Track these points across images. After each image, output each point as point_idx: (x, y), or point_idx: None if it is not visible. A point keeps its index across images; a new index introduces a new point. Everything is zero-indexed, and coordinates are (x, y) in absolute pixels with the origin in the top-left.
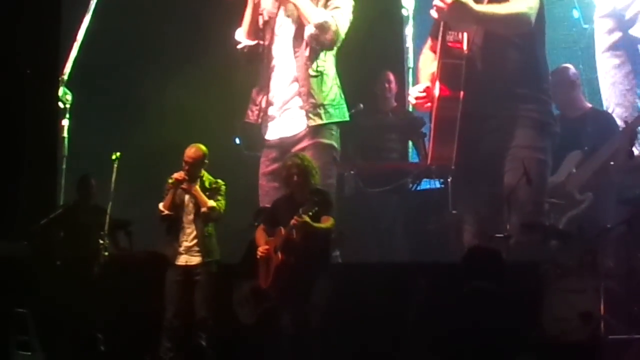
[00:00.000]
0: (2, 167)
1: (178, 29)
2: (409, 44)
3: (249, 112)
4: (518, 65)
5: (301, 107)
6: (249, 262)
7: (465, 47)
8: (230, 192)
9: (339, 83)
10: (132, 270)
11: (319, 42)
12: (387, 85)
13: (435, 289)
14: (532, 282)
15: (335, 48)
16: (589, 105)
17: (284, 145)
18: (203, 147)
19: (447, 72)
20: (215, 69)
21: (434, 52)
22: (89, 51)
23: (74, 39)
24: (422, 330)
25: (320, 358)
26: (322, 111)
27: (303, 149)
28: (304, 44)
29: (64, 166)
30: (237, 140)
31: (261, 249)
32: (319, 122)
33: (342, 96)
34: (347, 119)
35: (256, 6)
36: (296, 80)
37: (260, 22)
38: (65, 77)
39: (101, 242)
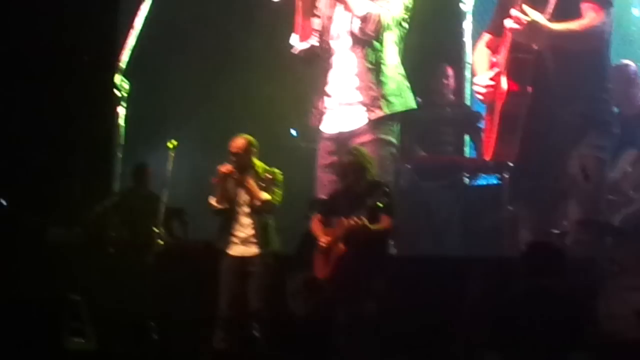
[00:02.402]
0: (59, 154)
1: (237, 18)
2: (468, 38)
3: (311, 117)
4: (585, 64)
5: (361, 102)
6: (303, 253)
7: None
8: (285, 183)
9: (402, 72)
10: (186, 259)
11: (364, 34)
12: (444, 80)
13: (490, 284)
14: (588, 279)
15: (396, 37)
16: None
17: (342, 139)
18: (249, 137)
19: (516, 67)
20: (276, 60)
21: (490, 48)
22: (147, 39)
23: (130, 26)
24: (477, 324)
25: (374, 351)
26: (382, 102)
27: (361, 144)
28: (357, 37)
29: (120, 154)
30: (294, 132)
31: (323, 240)
32: (380, 114)
33: (407, 85)
34: (413, 106)
35: (307, 8)
36: (355, 74)
37: (317, 23)
38: (122, 64)
39: (156, 230)
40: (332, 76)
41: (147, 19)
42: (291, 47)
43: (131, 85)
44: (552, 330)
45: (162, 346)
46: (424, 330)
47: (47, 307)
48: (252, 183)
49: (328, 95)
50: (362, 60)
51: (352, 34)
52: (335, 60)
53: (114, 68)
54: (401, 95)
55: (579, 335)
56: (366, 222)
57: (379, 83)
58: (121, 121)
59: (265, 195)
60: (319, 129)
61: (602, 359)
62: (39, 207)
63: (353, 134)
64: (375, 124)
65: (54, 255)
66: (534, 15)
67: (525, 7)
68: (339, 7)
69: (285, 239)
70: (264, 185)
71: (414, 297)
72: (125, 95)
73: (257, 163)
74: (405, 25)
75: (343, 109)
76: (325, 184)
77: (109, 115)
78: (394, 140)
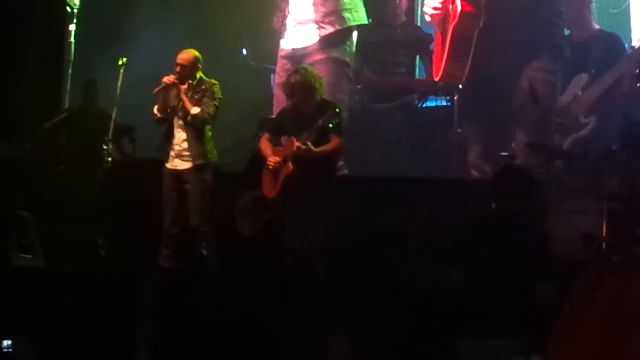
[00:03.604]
0: (8, 70)
1: None
2: None
3: (274, 19)
4: None
5: (313, 19)
6: (252, 171)
7: None
8: (237, 103)
9: None
10: (135, 176)
11: None
12: (397, 1)
13: (438, 205)
14: (536, 202)
15: None
16: (598, 27)
17: (297, 57)
18: (195, 52)
19: None
20: None
21: None
22: None
23: None
24: (425, 243)
25: (321, 270)
26: (333, 18)
27: (314, 63)
28: None
29: (70, 71)
30: (244, 51)
31: (272, 159)
32: (331, 29)
33: None
34: (365, 22)
35: None
36: None
37: None
38: None
39: (105, 147)
40: None
41: None
42: None
43: (82, 1)
44: (506, 250)
45: (109, 263)
46: (370, 248)
47: None
48: (184, 96)
49: (288, 13)
50: None
51: None
52: None
53: None
54: (354, 10)
55: (535, 256)
56: (311, 146)
57: None
58: (71, 38)
59: (194, 110)
60: (280, 45)
61: (552, 280)
62: None
63: (306, 53)
64: (327, 42)
65: (2, 171)
66: None
67: None
68: None
69: (235, 157)
70: (197, 97)
71: (364, 216)
72: (76, 11)
73: (198, 76)
74: None
75: (298, 27)
76: (282, 100)
77: (60, 31)
78: (347, 59)
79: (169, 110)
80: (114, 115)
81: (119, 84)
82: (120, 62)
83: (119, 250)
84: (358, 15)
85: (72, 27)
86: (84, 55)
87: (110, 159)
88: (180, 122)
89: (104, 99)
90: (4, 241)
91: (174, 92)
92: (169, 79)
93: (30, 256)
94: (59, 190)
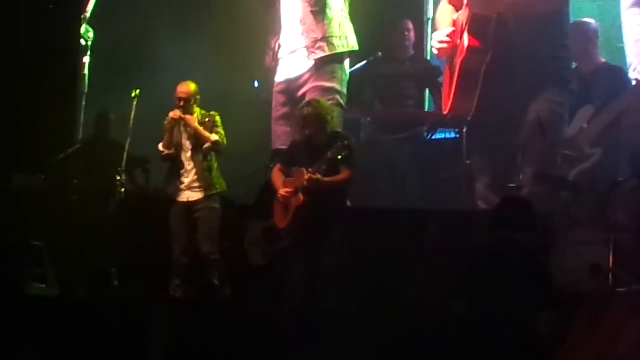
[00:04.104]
0: (23, 101)
1: None
2: None
3: (267, 57)
4: (546, 24)
5: (303, 47)
6: (263, 202)
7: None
8: (249, 135)
9: (346, 15)
10: (148, 207)
11: None
12: (406, 34)
13: (446, 236)
14: (542, 233)
15: None
16: (603, 60)
17: (290, 90)
18: (192, 83)
19: (477, 24)
20: (237, 12)
21: (453, 4)
22: None
23: None
24: (434, 274)
25: (331, 300)
26: (323, 44)
27: (304, 95)
28: None
29: (84, 102)
30: (256, 84)
31: (282, 191)
32: (321, 54)
33: (351, 27)
34: (356, 48)
35: None
36: (299, 20)
37: None
38: (88, 14)
39: (118, 178)
40: (282, 23)
41: None
42: None
43: (95, 33)
44: (513, 281)
45: (122, 293)
46: (380, 280)
47: (10, 253)
48: (198, 126)
49: (278, 48)
50: (306, 4)
51: None
52: (284, 4)
53: (80, 17)
54: (343, 37)
55: (538, 288)
56: (320, 176)
57: (322, 25)
58: (85, 70)
59: (213, 136)
60: (274, 81)
61: (556, 312)
62: (2, 154)
63: (298, 84)
64: (317, 69)
65: (17, 202)
66: None
67: None
68: None
69: (246, 188)
70: (205, 128)
71: (373, 248)
72: (90, 44)
73: (197, 109)
74: None
75: (289, 58)
76: (279, 135)
77: (74, 64)
78: (338, 86)
79: (174, 145)
80: (127, 147)
81: (132, 116)
82: (133, 94)
83: (132, 280)
84: (348, 42)
85: (86, 60)
86: (98, 87)
87: (123, 189)
88: (189, 154)
89: (117, 131)
90: (19, 271)
91: (179, 126)
92: (175, 113)
93: (44, 286)
94: (72, 220)
